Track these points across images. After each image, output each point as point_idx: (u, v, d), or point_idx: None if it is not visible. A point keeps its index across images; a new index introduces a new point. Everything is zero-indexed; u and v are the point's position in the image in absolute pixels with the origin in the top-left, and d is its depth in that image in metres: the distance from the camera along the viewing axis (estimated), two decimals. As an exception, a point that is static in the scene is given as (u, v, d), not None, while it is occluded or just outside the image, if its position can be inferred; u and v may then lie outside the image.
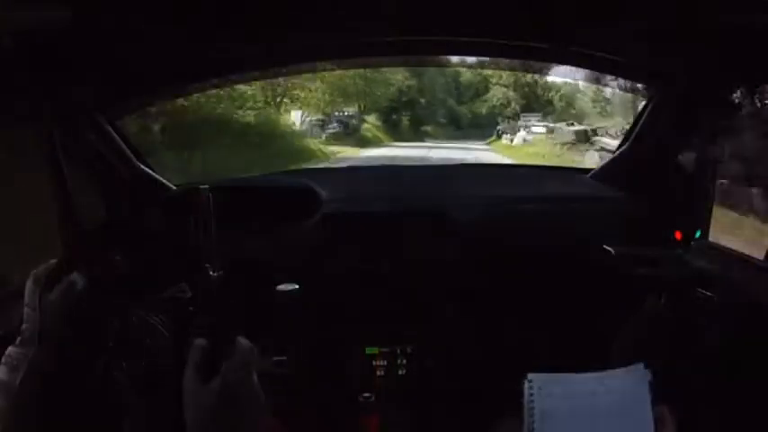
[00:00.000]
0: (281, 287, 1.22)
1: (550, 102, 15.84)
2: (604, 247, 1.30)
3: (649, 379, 0.89)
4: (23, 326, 0.77)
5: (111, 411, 0.80)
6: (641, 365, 0.91)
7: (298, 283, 1.22)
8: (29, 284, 0.78)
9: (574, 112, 14.74)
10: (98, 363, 0.80)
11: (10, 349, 0.76)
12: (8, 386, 0.74)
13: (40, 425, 0.74)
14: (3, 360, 0.76)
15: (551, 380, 0.92)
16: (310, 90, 11.19)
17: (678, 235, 1.32)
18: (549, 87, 15.60)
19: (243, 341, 0.71)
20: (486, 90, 17.70)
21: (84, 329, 0.79)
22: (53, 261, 0.80)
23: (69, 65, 1.02)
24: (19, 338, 0.76)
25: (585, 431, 0.88)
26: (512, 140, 13.75)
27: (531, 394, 0.91)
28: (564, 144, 11.67)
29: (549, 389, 0.91)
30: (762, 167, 1.21)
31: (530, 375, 0.93)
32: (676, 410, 0.89)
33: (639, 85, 1.56)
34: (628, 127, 1.66)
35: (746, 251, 1.25)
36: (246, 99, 9.73)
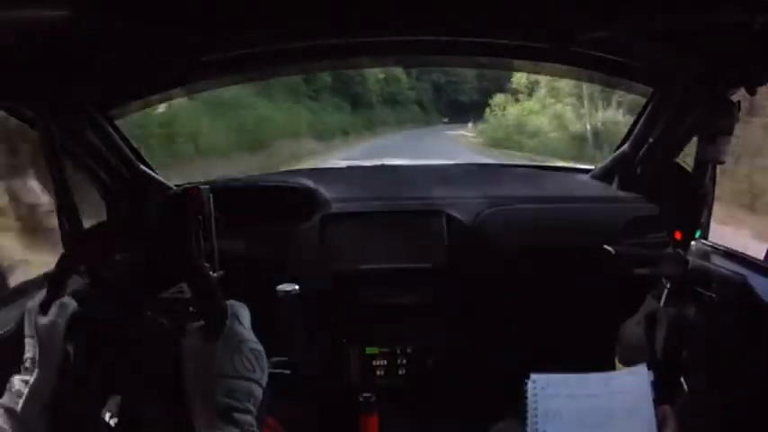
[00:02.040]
0: (281, 287, 1.21)
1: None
2: (604, 247, 1.30)
3: (651, 379, 0.89)
4: (25, 355, 0.78)
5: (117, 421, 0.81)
6: (643, 366, 0.91)
7: (298, 283, 1.22)
8: (26, 316, 0.80)
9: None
10: (97, 369, 0.80)
11: (14, 378, 0.78)
12: (13, 413, 0.75)
13: None
14: (7, 387, 0.77)
15: (554, 380, 0.92)
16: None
17: (678, 235, 1.32)
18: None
19: (232, 302, 0.73)
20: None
21: (82, 347, 0.80)
22: (44, 290, 0.81)
23: (69, 65, 1.02)
24: (22, 367, 0.78)
25: (588, 429, 0.88)
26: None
27: (535, 394, 0.91)
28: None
29: (552, 389, 0.91)
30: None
31: (533, 375, 0.93)
32: (677, 410, 0.89)
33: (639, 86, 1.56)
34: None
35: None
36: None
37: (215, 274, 1.23)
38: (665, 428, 0.86)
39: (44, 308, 0.79)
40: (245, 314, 0.73)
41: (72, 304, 0.80)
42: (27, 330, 0.79)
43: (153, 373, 0.80)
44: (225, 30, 1.07)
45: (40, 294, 0.81)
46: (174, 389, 0.73)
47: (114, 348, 0.81)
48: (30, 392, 0.75)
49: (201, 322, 0.72)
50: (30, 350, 0.78)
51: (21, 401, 0.75)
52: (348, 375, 1.46)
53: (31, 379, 0.76)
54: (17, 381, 0.77)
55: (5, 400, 0.76)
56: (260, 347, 0.71)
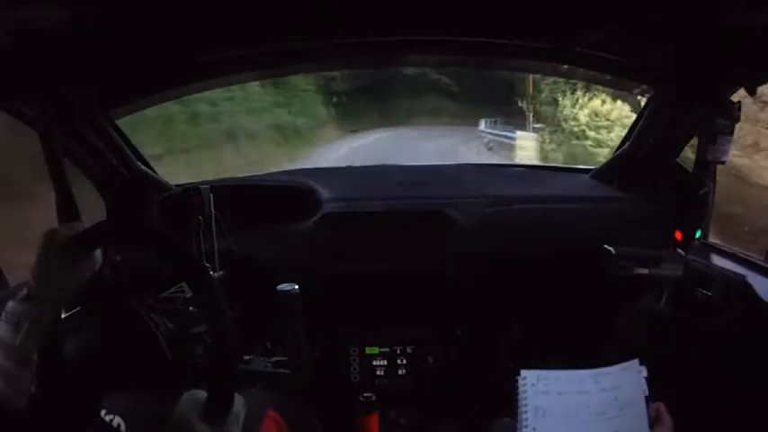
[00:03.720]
0: (281, 287, 1.22)
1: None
2: (604, 246, 1.30)
3: (645, 375, 0.88)
4: (29, 281, 0.73)
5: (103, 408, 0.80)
6: (636, 362, 0.90)
7: (298, 283, 1.22)
8: (45, 241, 0.75)
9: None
10: (96, 360, 0.80)
11: (11, 305, 0.72)
12: (9, 345, 0.70)
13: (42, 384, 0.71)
14: (2, 317, 0.72)
15: (545, 377, 0.92)
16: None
17: (678, 235, 1.32)
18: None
19: (238, 399, 0.71)
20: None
21: (83, 327, 0.79)
22: (77, 225, 0.77)
23: (69, 65, 1.02)
24: (22, 294, 0.73)
25: (579, 428, 0.87)
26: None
27: (525, 390, 0.91)
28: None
29: (542, 385, 0.91)
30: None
31: (523, 372, 0.93)
32: (674, 409, 0.88)
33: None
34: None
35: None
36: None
37: (215, 274, 1.23)
38: (658, 426, 0.85)
39: (72, 251, 0.74)
40: (242, 413, 0.72)
41: (100, 261, 0.77)
42: (40, 258, 0.74)
43: (151, 371, 0.80)
44: (225, 30, 1.08)
45: (68, 226, 0.77)
46: (170, 385, 0.73)
47: (113, 348, 0.81)
48: (30, 327, 0.70)
49: (201, 394, 0.69)
50: (38, 281, 0.73)
51: (19, 336, 0.70)
52: (348, 375, 1.46)
53: (34, 312, 0.71)
54: (16, 310, 0.71)
55: (2, 331, 0.71)
56: None
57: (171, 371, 0.87)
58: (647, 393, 0.87)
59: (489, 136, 11.14)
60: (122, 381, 0.82)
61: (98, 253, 0.77)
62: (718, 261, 1.29)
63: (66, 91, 1.17)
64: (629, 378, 0.89)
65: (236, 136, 8.56)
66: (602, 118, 8.98)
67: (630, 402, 0.87)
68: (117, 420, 0.80)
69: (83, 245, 0.75)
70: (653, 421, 0.85)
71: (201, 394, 0.69)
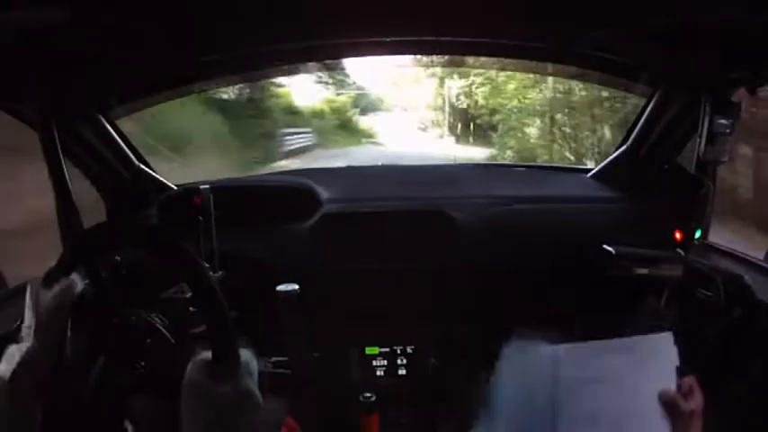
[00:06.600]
0: (281, 287, 1.22)
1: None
2: (604, 247, 1.30)
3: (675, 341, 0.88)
4: (24, 324, 0.77)
5: (109, 412, 0.80)
6: (669, 334, 0.89)
7: (298, 283, 1.22)
8: (29, 287, 0.79)
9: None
10: (97, 363, 0.80)
11: (11, 347, 0.75)
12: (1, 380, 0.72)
13: (32, 420, 0.73)
14: (4, 358, 0.75)
15: (575, 349, 0.93)
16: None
17: (678, 235, 1.32)
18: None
19: (245, 351, 0.73)
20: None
21: (83, 328, 0.79)
22: (52, 264, 0.79)
23: (69, 64, 1.02)
24: (19, 336, 0.76)
25: (611, 399, 0.87)
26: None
27: (558, 363, 0.91)
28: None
29: (573, 358, 0.91)
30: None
31: (554, 346, 0.93)
32: None
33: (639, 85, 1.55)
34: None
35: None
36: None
37: (215, 275, 1.23)
38: (690, 399, 0.83)
39: (49, 282, 0.76)
40: (254, 365, 0.74)
41: (80, 283, 0.78)
42: (28, 300, 0.77)
43: (151, 372, 0.80)
44: (225, 30, 1.07)
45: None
46: (170, 387, 0.73)
47: (114, 349, 0.80)
48: (22, 360, 0.73)
49: (208, 355, 0.71)
50: (28, 320, 0.76)
51: (10, 369, 0.72)
52: (348, 375, 1.46)
53: (24, 347, 0.74)
54: (13, 349, 0.75)
55: (1, 368, 0.74)
56: (260, 401, 0.72)
57: (171, 371, 0.86)
58: (678, 363, 0.86)
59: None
60: (124, 384, 0.82)
61: (74, 276, 0.77)
62: (718, 261, 1.29)
63: (67, 91, 1.17)
64: (657, 347, 0.88)
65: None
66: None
67: (660, 371, 0.86)
68: (125, 424, 0.80)
69: (56, 276, 0.76)
70: (685, 395, 0.84)
71: (208, 355, 0.70)
